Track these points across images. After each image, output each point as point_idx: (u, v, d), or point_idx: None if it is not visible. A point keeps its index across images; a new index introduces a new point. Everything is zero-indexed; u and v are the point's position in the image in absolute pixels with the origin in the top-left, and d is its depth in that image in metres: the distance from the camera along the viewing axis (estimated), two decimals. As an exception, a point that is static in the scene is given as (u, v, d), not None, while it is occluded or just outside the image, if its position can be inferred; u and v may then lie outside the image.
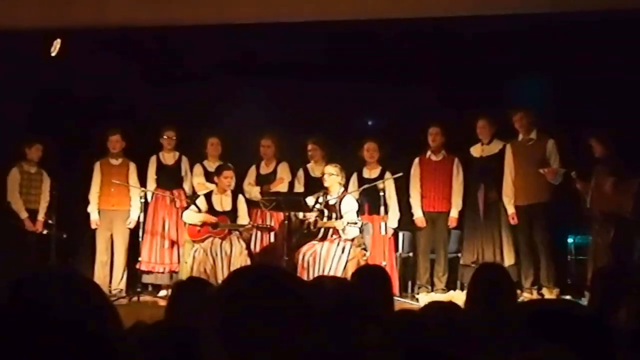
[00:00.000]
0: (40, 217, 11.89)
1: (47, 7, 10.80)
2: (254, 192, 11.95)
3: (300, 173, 12.07)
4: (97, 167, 12.12)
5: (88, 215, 12.07)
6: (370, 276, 5.47)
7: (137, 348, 2.99)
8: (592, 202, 10.57)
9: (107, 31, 10.96)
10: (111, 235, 12.06)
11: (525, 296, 10.85)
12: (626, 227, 10.32)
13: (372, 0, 10.49)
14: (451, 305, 3.93)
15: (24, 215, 11.76)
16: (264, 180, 12.12)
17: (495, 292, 5.07)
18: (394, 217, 11.58)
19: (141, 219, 11.67)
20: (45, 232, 11.80)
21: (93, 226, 12.07)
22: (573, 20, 10.52)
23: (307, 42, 11.59)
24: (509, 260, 11.17)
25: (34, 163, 11.93)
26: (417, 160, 11.80)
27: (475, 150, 11.65)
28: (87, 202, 12.07)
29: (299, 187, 11.93)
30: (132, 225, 11.96)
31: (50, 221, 11.75)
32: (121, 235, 12.03)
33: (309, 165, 12.06)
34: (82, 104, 12.09)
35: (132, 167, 12.17)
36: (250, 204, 11.72)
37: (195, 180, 12.15)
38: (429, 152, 11.80)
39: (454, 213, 11.64)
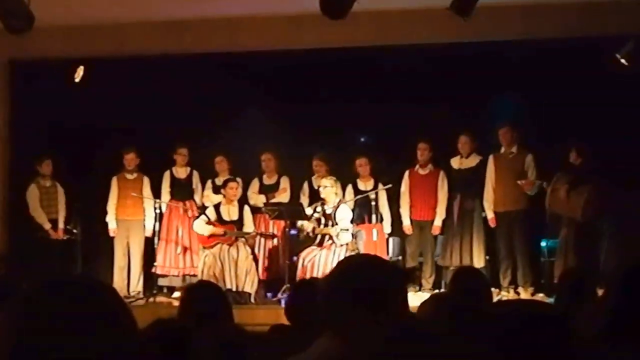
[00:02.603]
0: (61, 225, 12.09)
1: (71, 39, 10.91)
2: (258, 200, 12.13)
3: (305, 186, 12.25)
4: (114, 181, 12.29)
5: (106, 224, 12.24)
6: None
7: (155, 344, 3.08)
8: (549, 204, 10.79)
9: (125, 59, 11.07)
10: (128, 243, 12.21)
11: (502, 294, 10.97)
12: (584, 230, 10.50)
13: (366, 30, 10.56)
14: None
15: (47, 226, 11.93)
16: (267, 190, 12.28)
17: (472, 292, 5.12)
18: (387, 224, 11.74)
19: (156, 228, 11.86)
20: (66, 237, 11.98)
21: (111, 234, 12.26)
22: (544, 47, 10.66)
23: (306, 67, 11.76)
24: (478, 263, 11.27)
25: (48, 177, 12.08)
26: (407, 173, 11.94)
27: (455, 163, 11.80)
28: (105, 213, 12.23)
29: (304, 199, 12.08)
30: (149, 234, 12.13)
31: (74, 230, 11.90)
32: (137, 242, 12.21)
33: (312, 178, 12.20)
34: (100, 124, 12.21)
35: (146, 181, 12.33)
36: (255, 212, 11.85)
37: (204, 193, 12.30)
38: (417, 166, 11.91)
39: (438, 222, 11.80)
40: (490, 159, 11.58)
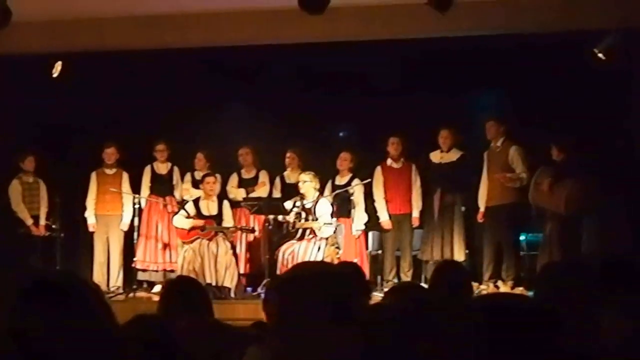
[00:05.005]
0: (42, 221, 12.08)
1: (49, 34, 10.85)
2: (238, 194, 12.15)
3: (277, 180, 12.24)
4: (93, 176, 12.30)
5: (86, 220, 12.20)
6: (347, 270, 5.60)
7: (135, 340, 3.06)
8: (533, 198, 10.82)
9: (104, 54, 11.02)
10: (107, 238, 12.18)
11: (482, 288, 10.97)
12: (568, 224, 10.54)
13: (345, 25, 10.55)
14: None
15: (29, 222, 11.94)
16: (246, 184, 12.29)
17: (454, 286, 5.14)
18: (359, 220, 11.70)
19: (136, 223, 11.83)
20: (47, 234, 11.95)
21: (90, 230, 12.25)
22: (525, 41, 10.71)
23: (285, 62, 11.79)
24: (458, 257, 11.28)
25: (31, 173, 12.08)
26: (379, 168, 11.94)
27: (435, 157, 11.80)
28: (84, 209, 12.18)
29: (276, 193, 12.12)
30: (125, 229, 12.09)
31: (54, 226, 11.86)
32: (116, 237, 12.21)
33: (285, 173, 12.20)
34: (80, 119, 12.16)
35: (125, 177, 12.34)
36: (234, 207, 11.83)
37: (183, 186, 12.28)
38: (389, 160, 11.91)
39: (416, 213, 11.83)
40: (485, 155, 11.59)
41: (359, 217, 11.73)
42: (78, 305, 1.81)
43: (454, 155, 11.69)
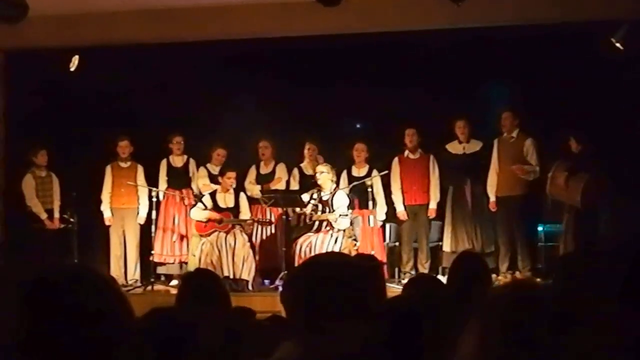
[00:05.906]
0: (56, 214, 12.08)
1: (65, 28, 10.89)
2: (255, 190, 12.11)
3: (296, 172, 12.23)
4: (108, 170, 12.32)
5: (102, 213, 12.24)
6: (363, 263, 5.59)
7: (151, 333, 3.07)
8: (549, 191, 10.81)
9: (118, 48, 11.05)
10: (123, 231, 12.22)
11: (499, 280, 10.95)
12: (583, 215, 10.52)
13: (360, 17, 10.54)
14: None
15: (44, 216, 11.93)
16: (263, 180, 12.29)
17: (473, 277, 5.13)
18: (381, 211, 11.74)
19: (153, 216, 11.86)
20: (62, 226, 11.99)
21: (107, 223, 12.27)
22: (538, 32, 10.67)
23: (300, 54, 11.78)
24: (490, 248, 11.32)
25: (43, 167, 12.07)
26: (396, 159, 11.96)
27: (454, 148, 11.81)
28: (100, 202, 12.23)
29: (295, 185, 12.10)
30: (142, 222, 12.14)
31: (71, 219, 11.87)
32: (132, 230, 12.24)
33: (302, 165, 12.20)
34: (94, 113, 12.20)
35: (140, 170, 12.36)
36: (251, 200, 11.86)
37: (200, 181, 12.30)
38: (406, 152, 11.92)
39: (433, 205, 11.86)
40: (495, 142, 11.63)
41: (382, 207, 11.80)
42: (91, 298, 1.82)
43: (476, 146, 11.74)
